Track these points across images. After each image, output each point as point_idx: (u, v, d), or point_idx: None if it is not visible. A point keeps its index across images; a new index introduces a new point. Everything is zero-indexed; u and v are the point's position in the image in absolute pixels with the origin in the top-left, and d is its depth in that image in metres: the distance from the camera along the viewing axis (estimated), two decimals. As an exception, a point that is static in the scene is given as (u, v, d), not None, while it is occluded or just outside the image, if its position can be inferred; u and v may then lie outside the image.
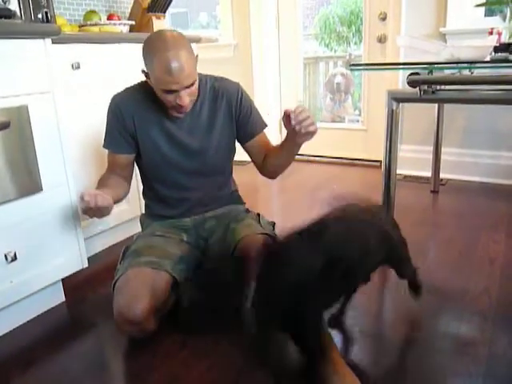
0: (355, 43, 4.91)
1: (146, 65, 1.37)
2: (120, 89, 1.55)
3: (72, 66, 1.85)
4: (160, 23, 2.44)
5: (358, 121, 3.78)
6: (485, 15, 2.84)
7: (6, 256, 1.45)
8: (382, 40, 3.20)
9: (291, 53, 3.70)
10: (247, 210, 1.71)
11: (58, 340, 1.52)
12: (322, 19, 5.10)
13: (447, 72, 1.84)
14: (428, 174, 2.82)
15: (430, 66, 1.68)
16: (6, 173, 1.42)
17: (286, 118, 1.33)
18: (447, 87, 1.67)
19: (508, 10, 2.13)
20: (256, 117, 1.60)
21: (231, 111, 1.55)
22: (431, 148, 2.73)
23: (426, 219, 2.40)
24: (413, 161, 3.08)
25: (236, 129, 1.58)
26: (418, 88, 1.62)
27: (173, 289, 1.44)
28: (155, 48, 1.32)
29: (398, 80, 2.98)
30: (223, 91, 1.54)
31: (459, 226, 2.25)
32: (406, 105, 2.82)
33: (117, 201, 1.53)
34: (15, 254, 1.47)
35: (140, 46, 1.39)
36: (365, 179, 3.20)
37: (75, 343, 1.50)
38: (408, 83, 1.63)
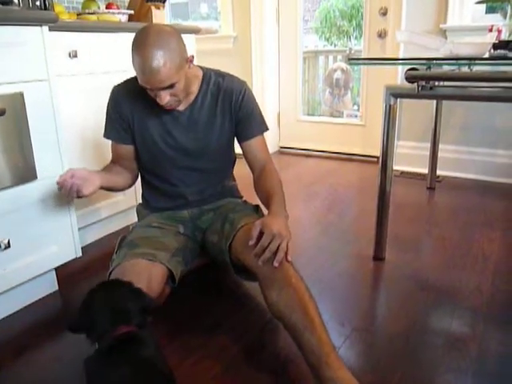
0: (355, 38, 4.89)
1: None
2: (117, 78, 1.55)
3: (69, 54, 1.83)
4: (159, 13, 2.42)
5: (356, 116, 3.77)
6: (486, 12, 2.83)
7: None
8: (382, 35, 3.19)
9: (291, 46, 3.68)
10: (245, 202, 1.71)
11: (51, 328, 1.52)
12: (323, 13, 5.07)
13: (446, 68, 1.83)
14: (425, 170, 2.82)
15: (429, 61, 1.67)
16: (0, 160, 1.41)
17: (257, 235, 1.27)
18: (445, 83, 1.67)
19: (509, 7, 2.12)
20: (256, 119, 1.57)
21: (230, 109, 1.52)
22: (428, 145, 2.73)
23: (421, 216, 2.41)
24: (410, 157, 3.08)
25: (235, 126, 1.56)
26: (415, 84, 1.61)
27: (168, 281, 1.43)
28: (137, 43, 1.28)
29: (397, 75, 2.98)
30: (226, 88, 1.51)
31: (454, 223, 2.26)
32: (405, 101, 2.82)
33: (113, 187, 1.55)
34: (9, 242, 1.47)
35: (138, 36, 1.38)
36: (362, 174, 3.21)
37: (68, 332, 1.50)
38: (406, 78, 1.62)
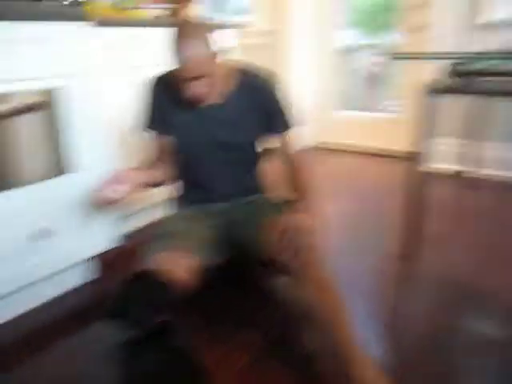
0: (393, 32, 4.79)
1: None
2: (156, 72, 1.56)
3: (108, 48, 1.87)
4: (195, 8, 2.44)
5: (393, 111, 3.70)
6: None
7: (41, 231, 1.49)
8: (420, 29, 3.11)
9: (327, 40, 3.66)
10: (274, 198, 1.71)
11: (90, 314, 1.57)
12: (361, 7, 4.98)
13: (492, 63, 1.77)
14: (463, 168, 2.75)
15: (477, 55, 1.61)
16: (43, 152, 1.46)
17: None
18: (489, 79, 1.61)
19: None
20: (285, 114, 1.57)
21: (260, 103, 1.52)
22: (468, 142, 2.66)
23: (455, 214, 2.35)
24: (447, 154, 3.01)
25: (263, 121, 1.56)
26: (458, 79, 1.56)
27: (199, 274, 1.44)
28: (175, 35, 1.33)
29: (436, 71, 2.90)
30: (257, 83, 1.52)
31: (492, 222, 2.19)
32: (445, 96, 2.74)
33: (153, 183, 1.57)
34: (51, 230, 1.52)
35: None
36: (396, 170, 3.14)
37: (106, 319, 1.54)
38: (449, 74, 1.57)
